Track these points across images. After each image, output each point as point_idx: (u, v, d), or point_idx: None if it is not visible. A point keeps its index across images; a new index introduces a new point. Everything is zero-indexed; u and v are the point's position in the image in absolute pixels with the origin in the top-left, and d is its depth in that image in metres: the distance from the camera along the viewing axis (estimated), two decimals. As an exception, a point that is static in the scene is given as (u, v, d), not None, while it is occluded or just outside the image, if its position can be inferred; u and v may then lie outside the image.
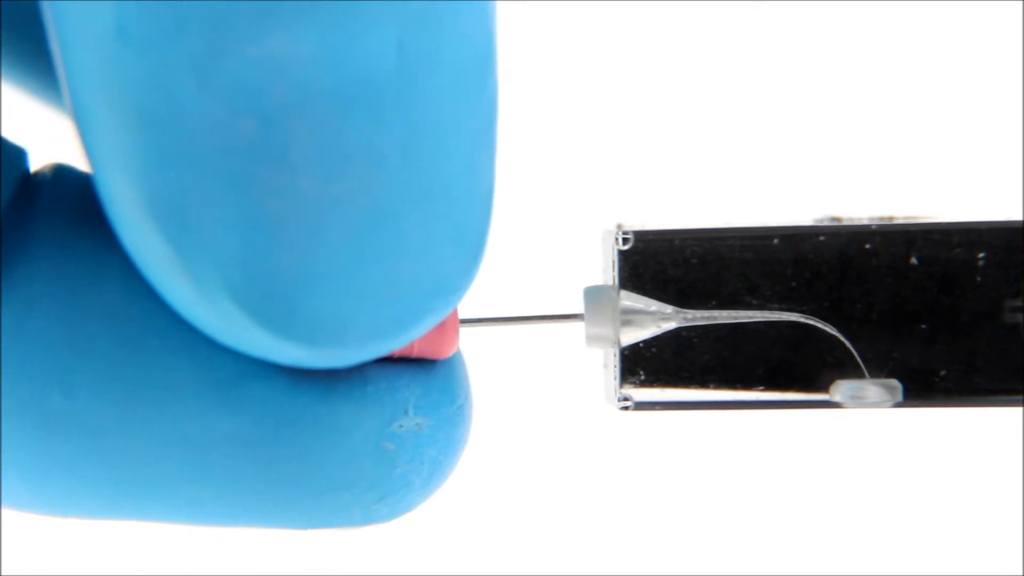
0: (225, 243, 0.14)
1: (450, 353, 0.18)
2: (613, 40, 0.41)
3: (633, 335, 0.22)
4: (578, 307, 0.22)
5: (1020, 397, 0.22)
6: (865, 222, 0.22)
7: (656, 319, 0.22)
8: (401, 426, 0.17)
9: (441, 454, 0.18)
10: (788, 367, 0.22)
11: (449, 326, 0.18)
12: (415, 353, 0.18)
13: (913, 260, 0.22)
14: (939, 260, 0.22)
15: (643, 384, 0.22)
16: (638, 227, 0.22)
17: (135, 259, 0.15)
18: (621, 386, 0.22)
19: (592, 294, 0.21)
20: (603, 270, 0.23)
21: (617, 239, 0.22)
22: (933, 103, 0.41)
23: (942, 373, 0.22)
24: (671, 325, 0.22)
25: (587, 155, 0.41)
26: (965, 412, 0.22)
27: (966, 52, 0.41)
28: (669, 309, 0.22)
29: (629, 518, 0.42)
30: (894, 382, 0.22)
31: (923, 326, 0.22)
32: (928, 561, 0.41)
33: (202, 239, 0.14)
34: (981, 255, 0.22)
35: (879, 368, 0.22)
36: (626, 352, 0.22)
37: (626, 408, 0.22)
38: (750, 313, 0.22)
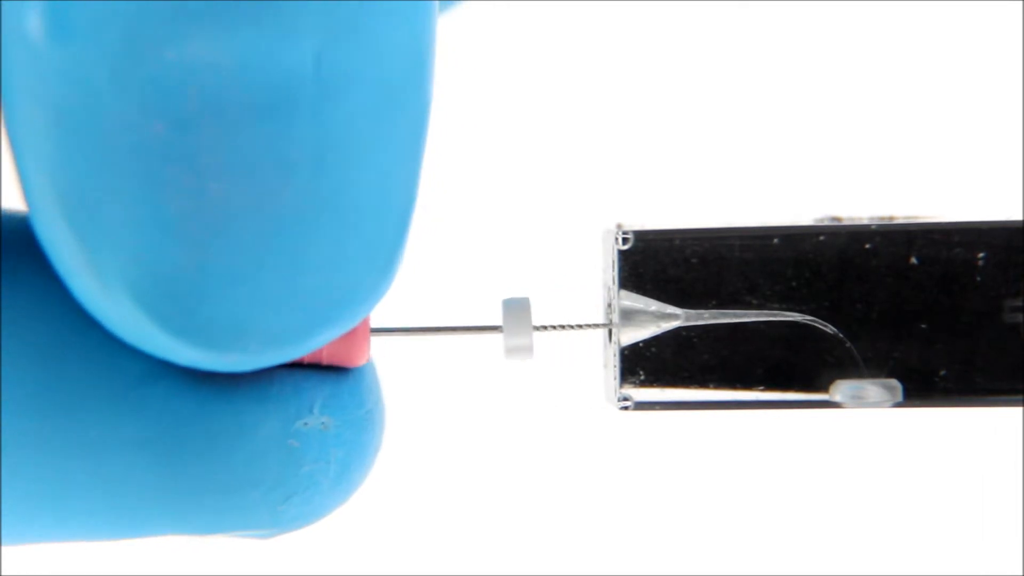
0: (130, 241, 0.14)
1: (361, 362, 0.18)
2: (613, 40, 0.41)
3: (633, 335, 0.22)
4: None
5: (1020, 397, 0.22)
6: (865, 222, 0.22)
7: (656, 319, 0.22)
8: (306, 424, 0.17)
9: (349, 456, 0.18)
10: (788, 367, 0.22)
11: (359, 335, 0.18)
12: (324, 360, 0.18)
13: (913, 260, 0.22)
14: (939, 260, 0.22)
15: (643, 384, 0.22)
16: (638, 227, 0.22)
17: (47, 252, 0.15)
18: (621, 386, 0.22)
19: (510, 306, 0.21)
20: (603, 270, 0.23)
21: (617, 239, 0.22)
22: (933, 103, 0.41)
23: (942, 373, 0.22)
24: (671, 325, 0.22)
25: (587, 155, 0.41)
26: (965, 412, 0.22)
27: (966, 52, 0.41)
28: (669, 309, 0.22)
29: (629, 518, 0.42)
30: (894, 382, 0.22)
31: (923, 326, 0.22)
32: (928, 561, 0.41)
33: (109, 235, 0.14)
34: (981, 255, 0.22)
35: (879, 368, 0.22)
36: (626, 352, 0.22)
37: (626, 408, 0.22)
38: (750, 313, 0.22)
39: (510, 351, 0.21)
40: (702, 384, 0.22)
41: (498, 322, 0.21)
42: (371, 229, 0.15)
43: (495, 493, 0.42)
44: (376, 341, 0.19)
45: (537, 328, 0.21)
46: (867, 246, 0.22)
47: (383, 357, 0.19)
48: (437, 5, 0.15)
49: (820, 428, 0.40)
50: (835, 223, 0.22)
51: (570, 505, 0.42)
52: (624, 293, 0.22)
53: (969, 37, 0.41)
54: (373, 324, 0.19)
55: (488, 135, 0.40)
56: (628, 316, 0.22)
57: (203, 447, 0.17)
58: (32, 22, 0.13)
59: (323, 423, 0.18)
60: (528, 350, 0.21)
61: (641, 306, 0.22)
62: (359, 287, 0.15)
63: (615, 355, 0.22)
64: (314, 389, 0.18)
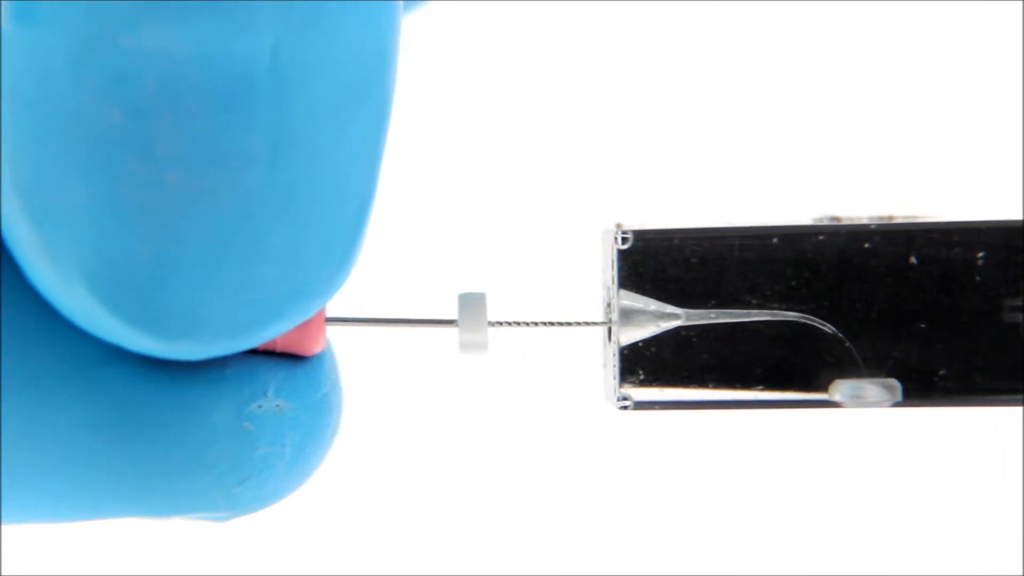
0: (86, 229, 0.14)
1: (316, 351, 0.18)
2: (613, 39, 0.41)
3: (632, 335, 0.22)
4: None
5: (1020, 397, 0.22)
6: (864, 221, 0.22)
7: (655, 318, 0.22)
8: (260, 406, 0.17)
9: (305, 439, 0.18)
10: (787, 366, 0.22)
11: (314, 324, 0.18)
12: (279, 348, 0.18)
13: (913, 260, 0.22)
14: (939, 259, 0.22)
15: (642, 383, 0.22)
16: (637, 226, 0.22)
17: (5, 239, 0.15)
18: (620, 385, 0.22)
19: (465, 300, 0.21)
20: (602, 269, 0.23)
21: (616, 238, 0.22)
22: (933, 103, 0.41)
23: (941, 373, 0.22)
24: (670, 324, 0.22)
25: (586, 155, 0.41)
26: (965, 412, 0.22)
27: (966, 52, 0.41)
28: (668, 308, 0.22)
29: (628, 517, 0.42)
30: (893, 382, 0.22)
31: (922, 326, 0.22)
32: (928, 561, 0.41)
33: (63, 222, 0.14)
34: (981, 254, 0.22)
35: (878, 367, 0.22)
36: (625, 351, 0.22)
37: (625, 407, 0.22)
38: (750, 312, 0.22)
39: (464, 346, 0.21)
40: (701, 384, 0.22)
41: (454, 316, 0.21)
42: (328, 222, 0.15)
43: (494, 493, 0.42)
44: (339, 331, 0.19)
45: (492, 324, 0.21)
46: (866, 246, 0.22)
47: (342, 348, 0.19)
48: (401, 4, 0.15)
49: (819, 428, 0.40)
50: (834, 223, 0.22)
51: (569, 505, 0.42)
52: (623, 293, 0.22)
53: (969, 37, 0.41)
54: (332, 314, 0.19)
55: (488, 135, 0.40)
56: (627, 316, 0.22)
57: (157, 430, 0.17)
58: (1, 5, 0.13)
59: (277, 406, 0.18)
60: (482, 346, 0.21)
61: (640, 306, 0.22)
62: (314, 280, 0.16)
63: (614, 355, 0.22)
64: (269, 373, 0.18)
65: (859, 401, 0.22)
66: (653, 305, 0.22)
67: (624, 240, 0.22)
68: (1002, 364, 0.22)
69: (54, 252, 0.14)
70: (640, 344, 0.22)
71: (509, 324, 0.21)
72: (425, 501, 0.41)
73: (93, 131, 0.14)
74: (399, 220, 0.38)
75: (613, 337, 0.22)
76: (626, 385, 0.22)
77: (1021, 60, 0.40)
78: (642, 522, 0.42)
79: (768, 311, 0.22)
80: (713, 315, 0.22)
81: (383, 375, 0.38)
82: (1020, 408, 0.22)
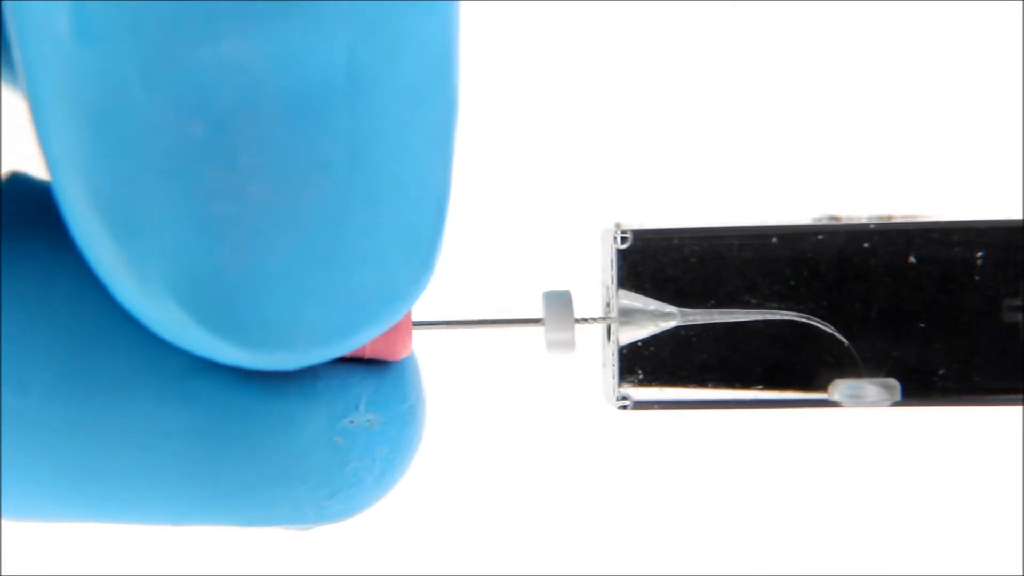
0: (170, 243, 0.14)
1: (403, 355, 0.18)
2: (612, 39, 0.41)
3: (632, 334, 0.22)
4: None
5: (1019, 396, 0.22)
6: (864, 221, 0.22)
7: (655, 318, 0.22)
8: (352, 422, 0.17)
9: (393, 452, 0.18)
10: (787, 366, 0.22)
11: (402, 329, 0.18)
12: (367, 354, 0.18)
13: (912, 259, 0.22)
14: (938, 259, 0.22)
15: (642, 383, 0.22)
16: (636, 226, 0.22)
17: (86, 255, 0.15)
18: (620, 385, 0.22)
19: (551, 299, 0.21)
20: (602, 269, 0.23)
21: (616, 238, 0.22)
22: (933, 103, 0.41)
23: (941, 372, 0.22)
24: (670, 324, 0.22)
25: (586, 154, 0.41)
26: (964, 411, 0.22)
27: (966, 52, 0.41)
28: (668, 308, 0.22)
29: (628, 517, 0.42)
30: (893, 381, 0.22)
31: (922, 325, 0.22)
32: (928, 561, 0.41)
33: (147, 237, 0.14)
34: (980, 254, 0.22)
35: (878, 367, 0.22)
36: (625, 351, 0.22)
37: (624, 407, 0.22)
38: (749, 312, 0.22)
39: (552, 345, 0.21)
40: (701, 383, 0.22)
41: (537, 316, 0.21)
42: (410, 221, 0.15)
43: (493, 492, 0.42)
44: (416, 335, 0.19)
45: (578, 321, 0.21)
46: (866, 245, 0.22)
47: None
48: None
49: (819, 427, 0.40)
50: (834, 222, 0.22)
51: (569, 504, 0.42)
52: (623, 292, 0.22)
53: (969, 37, 0.41)
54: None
55: (487, 135, 0.40)
56: (627, 315, 0.22)
57: (250, 442, 0.17)
58: (60, 23, 0.13)
59: (368, 420, 0.18)
60: (570, 344, 0.21)
61: (640, 305, 0.22)
62: (401, 280, 0.15)
63: (614, 354, 0.22)
64: (360, 385, 0.18)
65: (858, 401, 0.22)
66: (652, 305, 0.22)
67: (623, 240, 0.22)
68: (1001, 364, 0.22)
69: (140, 268, 0.14)
70: (639, 344, 0.22)
71: (594, 320, 0.21)
72: (425, 501, 0.41)
73: (174, 144, 0.13)
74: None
75: (612, 336, 0.22)
76: (625, 384, 0.22)
77: (1021, 60, 0.40)
78: (642, 521, 0.42)
79: (767, 311, 0.22)
80: (712, 315, 0.22)
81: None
82: (1020, 408, 0.22)
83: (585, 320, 0.21)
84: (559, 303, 0.21)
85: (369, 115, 0.14)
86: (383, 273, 0.15)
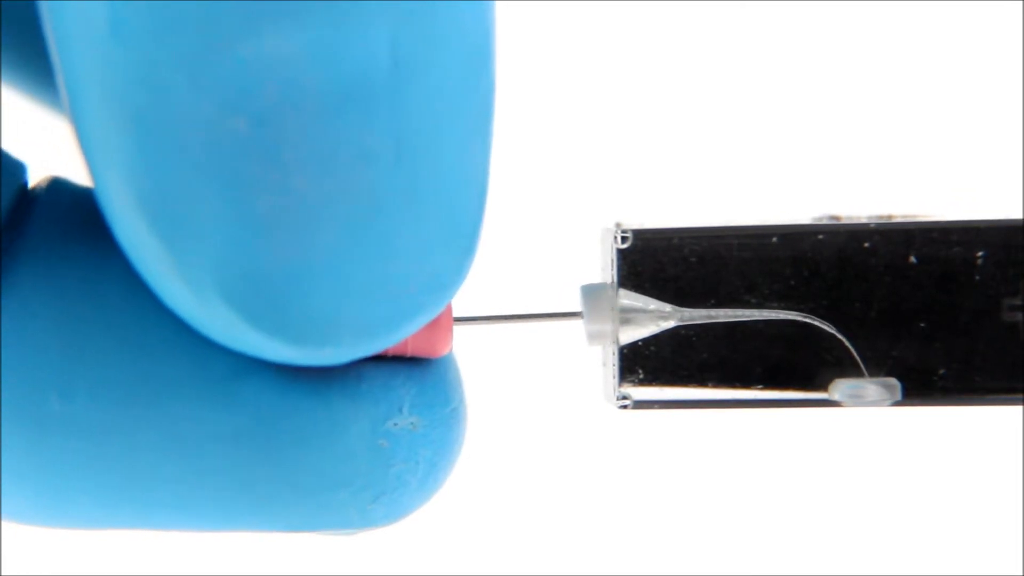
0: (217, 241, 0.14)
1: (445, 351, 0.18)
2: (612, 39, 0.41)
3: (632, 333, 0.22)
4: (574, 305, 0.22)
5: (1019, 396, 0.22)
6: (864, 221, 0.22)
7: (655, 318, 0.22)
8: (396, 424, 0.17)
9: (437, 455, 0.18)
10: (787, 366, 0.22)
11: (443, 323, 0.18)
12: (409, 351, 0.18)
13: (912, 259, 0.22)
14: (938, 259, 0.22)
15: (642, 382, 0.22)
16: (637, 226, 0.22)
17: (131, 258, 0.15)
18: (620, 384, 0.22)
19: (589, 292, 0.21)
20: (602, 268, 0.23)
21: (616, 238, 0.22)
22: (933, 103, 0.41)
23: (941, 372, 0.22)
24: (670, 324, 0.22)
25: (586, 154, 0.41)
26: (964, 411, 0.22)
27: (966, 52, 0.41)
28: (668, 308, 0.22)
29: (628, 517, 0.42)
30: (893, 381, 0.22)
31: (922, 325, 0.22)
32: (928, 561, 0.41)
33: (194, 237, 0.14)
34: (980, 254, 0.22)
35: (878, 367, 0.22)
36: (625, 351, 0.22)
37: (625, 406, 0.22)
38: (749, 312, 0.22)
39: (592, 336, 0.21)
40: (701, 383, 0.22)
41: (576, 309, 0.21)
42: (452, 212, 0.15)
43: (493, 492, 0.42)
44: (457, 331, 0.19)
45: (619, 311, 0.21)
46: (866, 245, 0.22)
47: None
48: None
49: (819, 427, 0.40)
50: (834, 222, 0.22)
51: (568, 504, 0.42)
52: (623, 292, 0.22)
53: (969, 37, 0.41)
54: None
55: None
56: (627, 315, 0.22)
57: (295, 444, 0.17)
58: (98, 24, 0.13)
59: (412, 423, 0.18)
60: (610, 335, 0.21)
61: (640, 305, 0.22)
62: (445, 271, 0.15)
63: (614, 354, 0.22)
64: (403, 387, 0.18)
65: (859, 400, 0.22)
66: (652, 304, 0.22)
67: (623, 239, 0.22)
68: (1001, 363, 0.22)
69: (186, 268, 0.14)
70: (639, 343, 0.22)
71: (636, 311, 0.22)
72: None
73: (217, 141, 0.13)
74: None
75: (612, 336, 0.22)
76: (626, 384, 0.22)
77: (1021, 60, 0.40)
78: (642, 521, 0.42)
79: (768, 310, 0.22)
80: (712, 314, 0.22)
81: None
82: (1020, 407, 0.22)
83: (625, 310, 0.21)
84: (597, 295, 0.21)
85: (411, 106, 0.14)
86: (427, 264, 0.15)
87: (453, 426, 0.18)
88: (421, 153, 0.14)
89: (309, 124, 0.13)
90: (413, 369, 0.18)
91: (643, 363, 0.22)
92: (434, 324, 0.18)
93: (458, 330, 0.19)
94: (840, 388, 0.22)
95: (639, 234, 0.22)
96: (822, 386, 0.22)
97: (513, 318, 0.21)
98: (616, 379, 0.22)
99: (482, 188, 0.15)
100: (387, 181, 0.14)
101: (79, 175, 0.16)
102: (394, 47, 0.13)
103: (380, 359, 0.18)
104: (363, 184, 0.14)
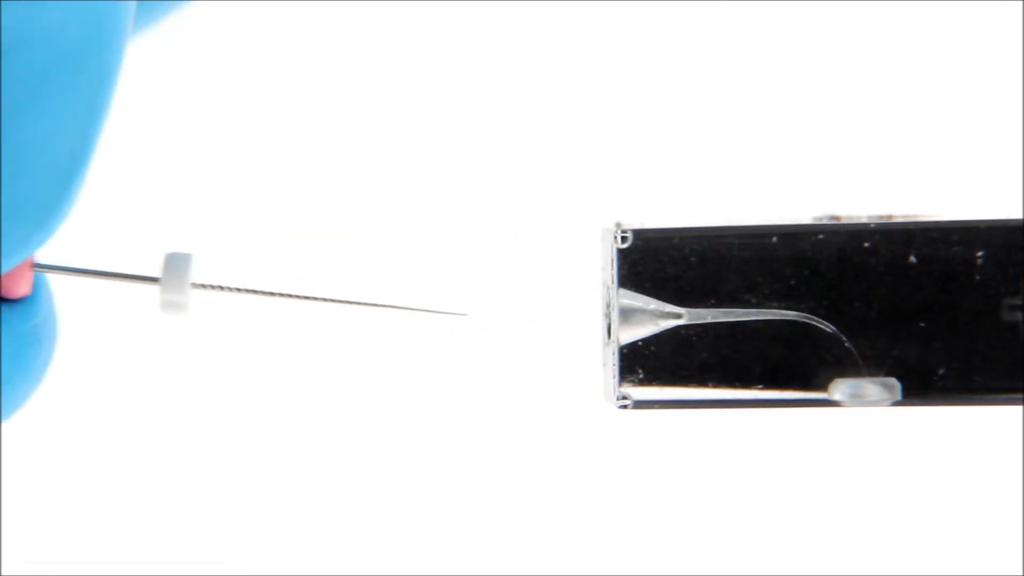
0: None
1: (23, 294, 0.19)
2: (612, 38, 0.41)
3: (632, 333, 0.22)
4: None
5: (1019, 396, 0.22)
6: (864, 220, 0.22)
7: (655, 317, 0.22)
8: None
9: (13, 370, 0.19)
10: (787, 365, 0.22)
11: (20, 271, 0.19)
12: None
13: (912, 258, 0.22)
14: (938, 258, 0.22)
15: (642, 382, 0.22)
16: (637, 225, 0.22)
17: None
18: (620, 384, 0.22)
19: (171, 260, 0.21)
20: (602, 268, 0.23)
21: (616, 237, 0.22)
22: (933, 102, 0.41)
23: (941, 372, 0.22)
24: (670, 323, 0.22)
25: (586, 154, 0.41)
26: (964, 411, 0.22)
27: (966, 52, 0.41)
28: (668, 307, 0.22)
29: (628, 517, 0.42)
30: (893, 380, 0.22)
31: (922, 324, 0.22)
32: (928, 561, 0.41)
33: None
34: (980, 253, 0.22)
35: (878, 366, 0.22)
36: (625, 350, 0.22)
37: (625, 406, 0.22)
38: (749, 311, 0.22)
39: (165, 306, 0.21)
40: (701, 383, 0.22)
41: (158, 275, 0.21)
42: (29, 183, 0.16)
43: (493, 492, 0.42)
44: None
45: (195, 285, 0.21)
46: (866, 245, 0.22)
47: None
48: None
49: (819, 427, 0.40)
50: (834, 222, 0.22)
51: (568, 504, 0.42)
52: (623, 292, 0.22)
53: (969, 37, 0.41)
54: (45, 261, 0.20)
55: (487, 134, 0.40)
56: (627, 315, 0.22)
57: None
58: None
59: None
60: (183, 306, 0.21)
61: (640, 305, 0.22)
62: (8, 238, 0.16)
63: (614, 354, 0.22)
64: None
65: (859, 400, 0.22)
66: (652, 304, 0.22)
67: (624, 239, 0.22)
68: (1001, 363, 0.22)
69: None
70: (639, 343, 0.22)
71: (212, 287, 0.22)
72: (424, 500, 0.41)
73: None
74: (397, 222, 0.38)
75: (612, 336, 0.22)
76: (626, 384, 0.22)
77: (1021, 60, 0.40)
78: (641, 521, 0.42)
79: (768, 310, 0.22)
80: (713, 314, 0.22)
81: (361, 365, 0.38)
82: (1019, 407, 0.22)
83: (203, 286, 0.21)
84: (176, 265, 0.21)
85: (6, 74, 0.15)
86: None
87: (32, 343, 0.19)
88: (6, 118, 0.15)
89: None
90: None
91: (643, 363, 0.22)
92: (14, 270, 0.19)
93: (455, 330, 0.19)
94: (840, 388, 0.22)
95: (639, 234, 0.22)
96: (822, 386, 0.22)
97: (91, 273, 0.21)
98: (616, 379, 0.22)
99: (74, 169, 0.16)
100: None
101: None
102: None
103: None
104: None
